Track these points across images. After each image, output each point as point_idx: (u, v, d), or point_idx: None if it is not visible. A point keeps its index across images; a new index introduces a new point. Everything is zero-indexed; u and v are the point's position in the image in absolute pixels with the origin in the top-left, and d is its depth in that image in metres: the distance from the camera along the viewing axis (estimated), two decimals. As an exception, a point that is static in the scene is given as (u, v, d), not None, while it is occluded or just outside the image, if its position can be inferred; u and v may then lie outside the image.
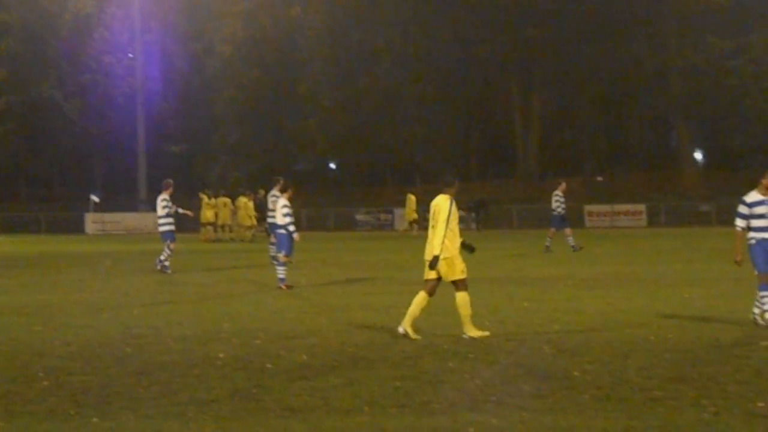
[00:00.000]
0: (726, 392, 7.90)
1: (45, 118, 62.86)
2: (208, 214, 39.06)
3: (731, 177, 51.54)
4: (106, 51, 63.39)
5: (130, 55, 62.93)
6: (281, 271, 17.26)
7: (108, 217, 53.96)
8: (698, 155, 62.86)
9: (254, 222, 38.23)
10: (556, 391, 8.01)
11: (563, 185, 27.38)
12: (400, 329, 10.96)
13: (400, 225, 50.74)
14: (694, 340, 10.54)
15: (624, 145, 65.30)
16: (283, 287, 17.00)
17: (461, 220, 11.85)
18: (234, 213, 39.55)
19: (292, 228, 17.43)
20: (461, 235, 11.10)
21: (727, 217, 38.81)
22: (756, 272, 11.48)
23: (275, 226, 18.31)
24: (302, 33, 64.36)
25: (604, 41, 58.06)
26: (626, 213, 50.77)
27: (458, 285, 10.88)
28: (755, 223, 11.54)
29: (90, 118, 62.97)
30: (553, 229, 27.06)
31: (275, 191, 19.87)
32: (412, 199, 44.45)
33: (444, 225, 10.78)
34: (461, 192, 11.08)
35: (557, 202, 26.73)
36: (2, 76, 61.25)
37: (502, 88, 64.62)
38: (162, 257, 21.25)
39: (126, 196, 60.85)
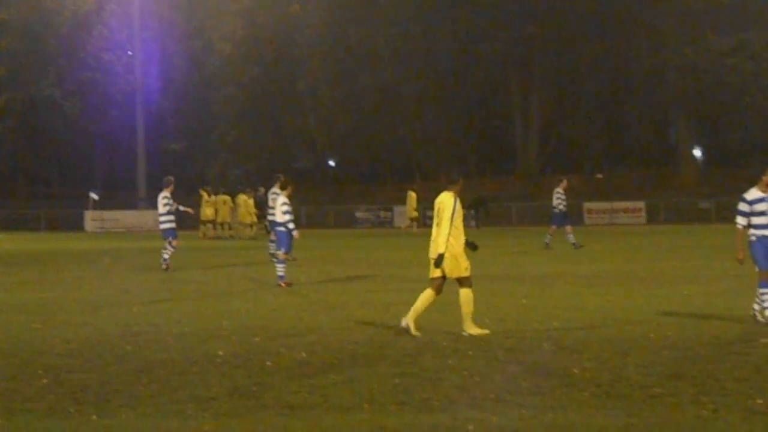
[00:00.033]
0: (725, 389, 7.90)
1: (44, 115, 62.88)
2: (207, 212, 39.08)
3: (730, 174, 51.57)
4: (105, 49, 63.39)
5: (130, 53, 62.90)
6: (281, 269, 17.25)
7: (107, 214, 53.97)
8: (697, 152, 62.89)
9: (255, 219, 38.24)
10: (555, 389, 8.02)
11: (564, 183, 27.40)
12: (403, 322, 10.95)
13: (401, 222, 50.76)
14: (694, 337, 10.54)
15: (623, 142, 65.32)
16: (283, 285, 17.00)
17: (461, 217, 11.83)
18: (233, 211, 39.56)
19: (291, 225, 17.44)
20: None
21: (727, 214, 38.86)
22: (756, 269, 11.48)
23: (275, 223, 18.30)
24: (301, 31, 64.34)
25: (603, 39, 58.10)
26: (625, 210, 50.78)
27: (462, 282, 10.87)
28: (756, 220, 11.53)
29: (89, 115, 62.97)
30: (553, 227, 27.07)
31: (276, 189, 19.84)
32: (412, 196, 44.43)
33: (449, 222, 10.74)
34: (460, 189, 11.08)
35: (558, 199, 26.74)
36: (1, 74, 61.27)
37: (502, 85, 64.66)
38: (165, 255, 21.23)
39: (125, 193, 60.87)
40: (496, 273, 18.85)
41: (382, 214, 54.77)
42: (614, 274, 18.81)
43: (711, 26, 53.79)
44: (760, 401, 7.47)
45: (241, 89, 65.08)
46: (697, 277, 17.67)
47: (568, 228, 26.88)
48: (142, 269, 22.20)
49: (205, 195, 39.43)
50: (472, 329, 10.85)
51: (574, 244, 26.36)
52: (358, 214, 55.35)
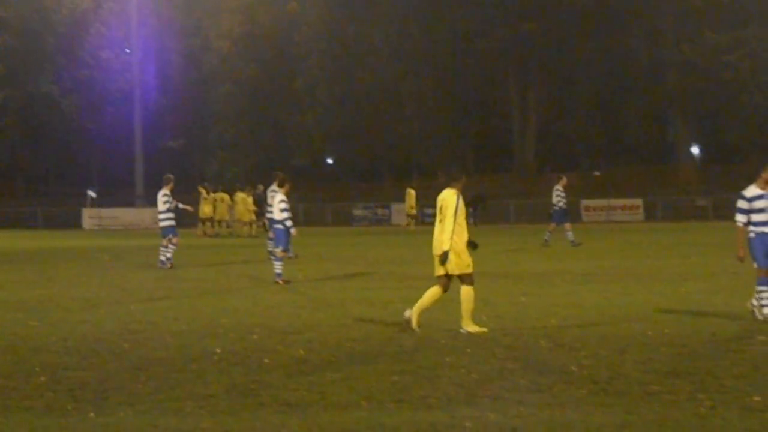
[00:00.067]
0: (723, 386, 7.91)
1: (42, 113, 62.79)
2: (206, 210, 39.05)
3: (728, 171, 51.59)
4: (102, 46, 63.31)
5: (127, 51, 62.84)
6: (278, 266, 17.26)
7: (105, 212, 53.97)
8: (695, 150, 62.92)
9: (253, 217, 38.22)
10: (553, 386, 8.02)
11: (564, 180, 27.41)
12: (407, 313, 11.01)
13: (399, 220, 50.81)
14: (691, 334, 10.55)
15: (621, 139, 65.32)
16: (281, 282, 17.01)
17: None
18: (231, 208, 39.54)
19: (289, 223, 17.46)
20: (461, 231, 11.08)
21: (724, 211, 38.92)
22: (755, 266, 11.49)
23: (273, 221, 18.31)
24: (299, 28, 64.33)
25: (601, 36, 58.10)
26: (623, 208, 50.83)
27: (464, 279, 10.87)
28: (755, 217, 11.53)
29: (87, 113, 62.90)
30: (553, 224, 27.09)
31: (275, 186, 19.83)
32: (411, 194, 44.49)
33: (452, 219, 10.74)
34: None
35: (558, 196, 26.75)
36: (-1, 71, 61.22)
37: (500, 82, 64.64)
38: (169, 255, 21.18)
39: (123, 191, 60.79)
40: (494, 270, 18.85)
41: (380, 211, 54.77)
42: (612, 271, 18.82)
43: (709, 23, 53.80)
44: (757, 398, 7.48)
45: (239, 87, 65.07)
46: (694, 274, 17.69)
47: (567, 225, 26.91)
48: (140, 267, 22.19)
49: (203, 192, 39.41)
50: (471, 327, 10.85)
51: (572, 241, 26.38)
52: (356, 212, 55.34)
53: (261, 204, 33.43)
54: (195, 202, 35.89)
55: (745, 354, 9.36)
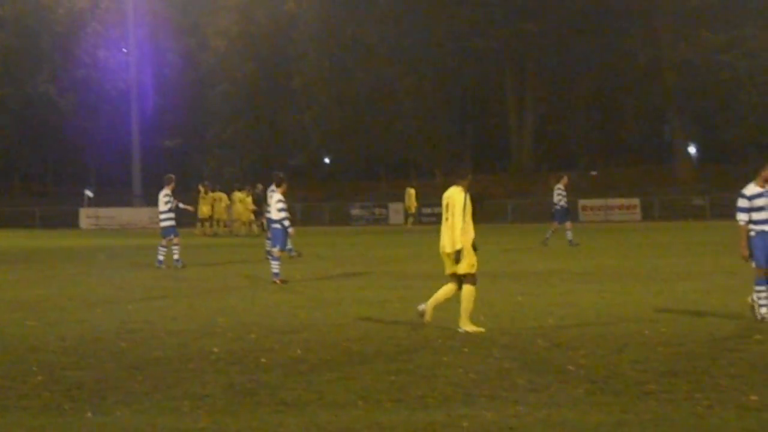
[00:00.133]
0: (719, 386, 7.92)
1: (39, 112, 62.67)
2: (204, 209, 39.05)
3: (725, 171, 51.63)
4: (99, 46, 63.21)
5: (124, 50, 62.75)
6: (275, 266, 17.27)
7: (102, 211, 53.91)
8: (692, 149, 62.94)
9: (252, 217, 38.22)
10: (550, 385, 8.03)
11: (565, 179, 27.42)
12: (421, 306, 11.15)
13: (396, 220, 50.85)
14: (688, 333, 10.56)
15: (618, 139, 65.31)
16: (278, 282, 17.01)
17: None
18: (229, 208, 39.54)
19: (287, 223, 17.49)
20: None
21: (721, 210, 38.85)
22: (753, 265, 11.48)
23: (271, 220, 18.31)
24: (296, 27, 64.25)
25: (598, 35, 58.07)
26: (620, 207, 50.82)
27: (466, 278, 10.88)
28: (755, 215, 11.52)
29: (84, 112, 62.80)
30: (556, 223, 27.12)
31: (274, 186, 19.83)
32: (411, 193, 44.52)
33: (461, 217, 10.78)
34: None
35: (559, 195, 26.78)
36: (-4, 71, 61.16)
37: (497, 82, 64.61)
38: (176, 255, 21.10)
39: (120, 190, 60.73)
40: (491, 270, 18.83)
41: (377, 211, 54.75)
42: (609, 270, 18.83)
43: (705, 23, 53.78)
44: (754, 398, 7.49)
45: (236, 86, 64.98)
46: (691, 273, 17.71)
47: (568, 225, 26.94)
48: (137, 267, 22.17)
49: (202, 191, 39.40)
50: (468, 326, 10.85)
51: (570, 241, 26.40)
52: (354, 212, 55.32)
53: (260, 203, 33.44)
54: (192, 202, 35.86)
55: (742, 353, 9.37)
